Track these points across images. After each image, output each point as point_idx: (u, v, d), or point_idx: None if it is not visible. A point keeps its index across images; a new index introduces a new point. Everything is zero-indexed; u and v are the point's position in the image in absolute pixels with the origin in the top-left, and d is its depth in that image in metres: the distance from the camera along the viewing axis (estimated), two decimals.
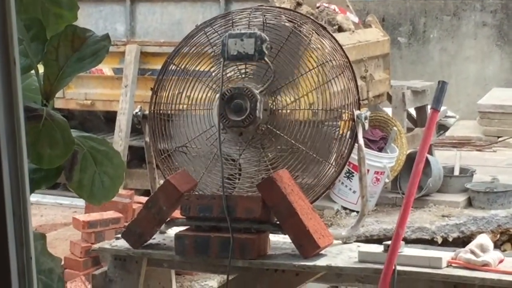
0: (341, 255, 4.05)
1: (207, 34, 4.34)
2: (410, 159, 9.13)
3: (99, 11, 10.34)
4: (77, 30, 2.68)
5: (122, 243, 4.35)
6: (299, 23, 4.40)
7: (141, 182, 9.19)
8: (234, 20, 4.40)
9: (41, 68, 2.68)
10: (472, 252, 3.82)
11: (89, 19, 9.89)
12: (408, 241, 4.77)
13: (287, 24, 4.38)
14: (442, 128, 12.53)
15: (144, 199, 6.80)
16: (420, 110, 10.72)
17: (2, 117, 1.12)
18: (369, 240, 7.04)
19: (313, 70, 4.25)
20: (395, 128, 9.60)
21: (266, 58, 4.13)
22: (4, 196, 1.14)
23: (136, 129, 9.63)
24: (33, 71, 2.64)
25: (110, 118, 10.51)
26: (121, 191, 7.17)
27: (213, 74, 4.29)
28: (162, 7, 10.64)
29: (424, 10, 14.45)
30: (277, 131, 4.19)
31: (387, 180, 9.45)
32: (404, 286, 3.95)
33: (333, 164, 4.27)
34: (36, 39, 2.57)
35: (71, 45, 2.67)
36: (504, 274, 3.70)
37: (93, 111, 10.67)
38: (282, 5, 8.57)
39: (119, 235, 4.47)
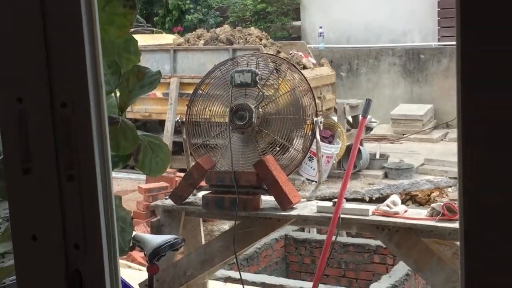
0: (306, 208, 4.06)
1: (222, 70, 4.33)
2: (348, 148, 9.18)
3: (154, 57, 10.41)
4: (140, 68, 2.68)
5: (169, 202, 4.35)
6: (279, 63, 4.41)
7: (180, 163, 9.20)
8: (238, 62, 4.40)
9: (117, 92, 2.68)
10: (388, 205, 3.83)
11: (147, 61, 9.88)
12: (348, 200, 4.80)
13: (271, 65, 4.38)
14: (368, 129, 12.52)
15: (182, 174, 6.80)
16: (355, 117, 10.75)
17: (94, 123, 1.12)
18: (323, 199, 7.05)
19: (287, 93, 4.26)
20: (339, 129, 9.66)
21: (258, 86, 4.14)
22: (95, 173, 1.14)
23: (177, 131, 9.65)
24: (113, 94, 2.64)
25: (161, 124, 10.57)
26: (168, 169, 7.19)
27: (226, 96, 4.29)
28: (193, 54, 10.67)
29: (357, 55, 14.45)
30: (266, 131, 4.19)
31: (334, 162, 9.50)
32: (345, 227, 3.97)
33: (300, 151, 4.27)
34: (114, 73, 2.57)
35: (136, 77, 2.67)
36: (407, 219, 3.71)
37: (150, 119, 10.72)
38: (269, 52, 8.58)
39: (167, 197, 4.47)
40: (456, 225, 3.51)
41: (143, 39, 11.03)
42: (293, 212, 4.02)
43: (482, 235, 1.02)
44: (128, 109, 2.84)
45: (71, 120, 1.09)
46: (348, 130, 10.30)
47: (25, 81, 1.10)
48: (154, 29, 15.27)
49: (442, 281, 3.60)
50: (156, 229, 4.37)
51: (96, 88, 1.10)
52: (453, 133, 12.51)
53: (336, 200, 3.85)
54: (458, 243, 3.60)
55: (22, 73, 1.10)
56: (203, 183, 4.28)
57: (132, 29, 2.62)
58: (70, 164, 1.10)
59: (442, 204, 3.65)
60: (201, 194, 4.27)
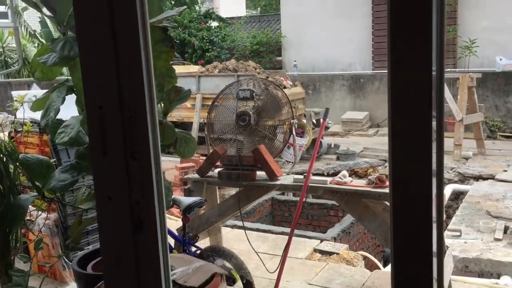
0: (286, 179, 4.06)
1: (230, 89, 4.33)
2: (313, 141, 9.17)
3: (185, 80, 10.33)
4: (177, 87, 2.68)
5: (196, 175, 4.35)
6: (267, 84, 4.40)
7: (203, 150, 9.19)
8: (241, 83, 4.39)
9: (162, 104, 2.67)
10: (340, 178, 3.83)
11: (181, 83, 9.82)
12: (313, 174, 4.81)
13: (262, 85, 4.37)
14: (326, 128, 12.53)
15: (204, 157, 6.79)
16: (317, 120, 10.73)
17: (149, 123, 1.11)
18: (297, 173, 7.08)
19: (273, 104, 4.25)
20: (307, 128, 9.64)
21: (254, 99, 4.13)
22: (150, 155, 1.13)
23: (201, 129, 9.63)
24: (159, 105, 2.64)
25: (190, 124, 10.52)
26: (195, 154, 7.18)
27: (233, 106, 4.28)
28: (211, 78, 10.63)
29: (319, 79, 14.44)
30: (260, 129, 4.19)
31: (304, 149, 9.49)
32: (311, 192, 3.97)
33: (282, 142, 4.27)
34: (160, 91, 2.57)
35: (174, 93, 2.67)
36: (352, 187, 3.72)
37: (183, 122, 10.66)
38: (261, 77, 8.56)
39: (195, 172, 4.47)
40: (384, 190, 3.52)
41: (178, 69, 10.98)
42: (278, 182, 4.03)
43: (403, 197, 1.03)
44: (169, 114, 2.84)
45: (134, 121, 1.09)
46: (313, 129, 10.31)
47: (104, 95, 1.10)
48: (185, 62, 15.22)
49: (375, 227, 3.62)
50: (187, 193, 4.38)
51: (150, 100, 1.10)
52: (382, 130, 12.51)
53: (306, 174, 3.86)
54: (386, 202, 3.62)
55: (102, 90, 1.10)
56: (218, 163, 4.28)
57: (171, 62, 2.61)
58: (133, 149, 1.10)
59: (375, 177, 3.67)
60: (217, 170, 4.27)
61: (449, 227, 5.72)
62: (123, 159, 1.11)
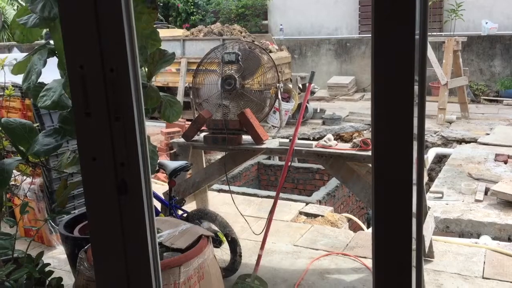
0: (271, 143, 4.06)
1: (215, 53, 4.26)
2: (299, 105, 9.16)
3: (169, 44, 10.19)
4: (161, 50, 2.64)
5: (182, 140, 4.34)
6: (253, 48, 4.34)
7: (188, 116, 9.14)
8: (226, 47, 4.32)
9: (146, 68, 2.63)
10: (325, 141, 3.84)
11: (165, 47, 9.72)
12: (299, 139, 4.79)
13: (247, 48, 4.31)
14: (312, 92, 12.49)
15: (189, 122, 6.77)
16: (303, 85, 10.71)
17: (132, 82, 1.10)
18: (283, 137, 7.09)
19: (259, 68, 4.20)
20: (293, 92, 9.61)
21: (240, 62, 4.08)
22: (134, 116, 1.12)
23: (186, 93, 9.54)
24: (142, 68, 2.60)
25: (175, 89, 10.42)
26: (180, 119, 7.13)
27: (218, 70, 4.22)
28: (196, 42, 10.49)
29: (305, 43, 14.31)
30: (245, 93, 4.16)
31: (290, 114, 9.48)
32: (297, 155, 3.98)
33: (268, 106, 4.25)
34: (143, 54, 2.52)
35: (158, 56, 2.63)
36: (337, 150, 3.74)
37: (168, 86, 10.56)
38: (246, 40, 8.47)
39: (181, 137, 4.45)
40: (368, 153, 3.55)
41: (162, 32, 10.76)
42: (263, 146, 4.03)
43: (385, 160, 1.04)
44: (153, 79, 2.81)
45: (117, 81, 1.08)
46: (299, 93, 10.28)
47: (85, 54, 1.08)
48: (169, 25, 14.98)
49: (359, 189, 3.67)
50: (173, 158, 4.37)
51: (133, 60, 1.08)
52: (368, 95, 12.54)
53: (291, 138, 3.87)
54: (370, 165, 3.66)
55: (83, 50, 1.08)
56: (204, 127, 4.26)
57: (155, 25, 2.56)
58: (116, 110, 1.09)
59: (360, 140, 3.69)
60: (202, 134, 4.26)
61: (432, 189, 5.82)
62: (107, 120, 1.10)
